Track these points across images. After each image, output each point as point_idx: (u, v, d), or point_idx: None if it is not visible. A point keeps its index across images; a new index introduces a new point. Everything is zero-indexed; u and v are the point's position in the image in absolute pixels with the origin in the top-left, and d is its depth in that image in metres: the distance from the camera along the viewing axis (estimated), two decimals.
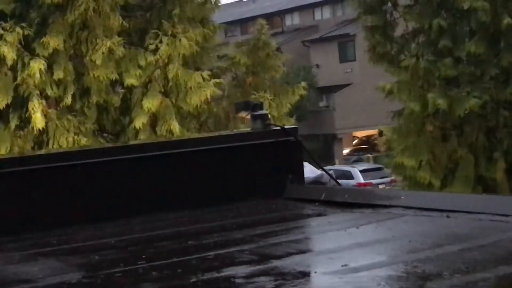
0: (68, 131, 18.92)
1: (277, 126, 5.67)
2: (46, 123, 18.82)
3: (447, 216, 4.04)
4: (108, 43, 18.69)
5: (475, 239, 3.60)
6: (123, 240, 4.25)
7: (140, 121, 19.49)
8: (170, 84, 19.84)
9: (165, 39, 19.44)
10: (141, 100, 19.61)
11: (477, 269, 3.04)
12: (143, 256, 3.70)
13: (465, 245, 3.46)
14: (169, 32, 19.59)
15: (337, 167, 37.30)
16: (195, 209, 4.88)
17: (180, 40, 19.44)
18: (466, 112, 19.11)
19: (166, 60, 19.62)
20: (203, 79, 19.67)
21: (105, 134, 20.41)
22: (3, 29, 18.54)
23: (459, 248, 3.40)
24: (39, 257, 3.96)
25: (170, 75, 19.63)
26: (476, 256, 3.27)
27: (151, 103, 19.39)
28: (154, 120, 19.97)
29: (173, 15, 19.83)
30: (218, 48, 23.27)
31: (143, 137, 19.11)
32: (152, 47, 19.52)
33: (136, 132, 19.59)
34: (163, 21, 19.85)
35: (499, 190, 19.13)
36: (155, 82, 19.85)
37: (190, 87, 19.61)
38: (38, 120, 18.49)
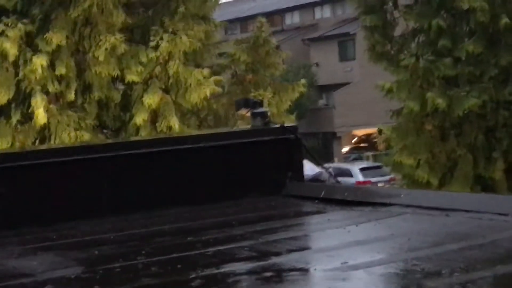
0: (68, 126, 18.94)
1: (277, 124, 5.68)
2: (48, 118, 18.84)
3: (447, 215, 4.05)
4: (112, 39, 18.70)
5: (474, 238, 3.61)
6: (123, 235, 4.26)
7: (140, 117, 19.50)
8: (171, 81, 19.84)
9: (165, 36, 19.44)
10: (142, 97, 19.61)
11: (476, 267, 3.05)
12: (143, 252, 3.71)
13: (464, 243, 3.47)
14: (170, 29, 19.60)
15: (336, 165, 37.25)
16: (195, 206, 4.89)
17: (180, 37, 19.45)
18: (465, 111, 19.10)
19: (167, 57, 19.63)
20: (203, 76, 19.68)
21: (105, 130, 20.42)
22: (5, 24, 18.53)
23: (458, 246, 3.40)
24: (39, 252, 3.97)
25: (170, 72, 19.63)
26: (475, 255, 3.28)
27: (151, 99, 19.39)
28: (154, 116, 19.97)
29: (178, 12, 19.84)
30: (218, 45, 23.26)
31: (143, 134, 19.12)
32: (153, 43, 19.52)
33: (137, 128, 19.60)
34: (164, 18, 19.86)
35: (498, 189, 19.11)
36: (155, 78, 19.86)
37: (190, 84, 19.61)
38: (40, 116, 18.52)
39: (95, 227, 4.47)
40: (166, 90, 19.97)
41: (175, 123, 19.42)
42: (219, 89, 20.43)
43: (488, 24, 19.11)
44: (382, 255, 3.42)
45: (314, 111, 48.15)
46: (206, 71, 19.81)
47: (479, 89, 19.15)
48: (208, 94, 19.59)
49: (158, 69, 19.76)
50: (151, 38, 19.60)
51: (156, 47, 19.43)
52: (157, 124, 19.66)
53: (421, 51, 20.19)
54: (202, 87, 19.51)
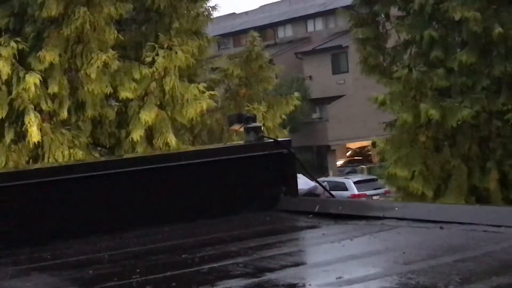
0: (62, 144, 18.92)
1: (271, 138, 5.67)
2: (41, 137, 18.82)
3: (441, 227, 4.04)
4: (104, 57, 18.71)
5: (469, 250, 3.60)
6: (117, 254, 4.24)
7: (137, 134, 19.50)
8: (167, 96, 19.86)
9: (161, 52, 19.47)
10: (138, 113, 19.62)
11: (471, 280, 3.04)
12: (137, 270, 3.69)
13: (459, 256, 3.46)
14: (165, 45, 19.63)
15: (331, 178, 37.26)
16: (189, 222, 4.88)
17: (176, 52, 19.48)
18: (458, 122, 19.12)
19: (163, 73, 19.66)
20: (199, 91, 19.72)
21: (99, 148, 20.41)
22: None
23: (453, 259, 3.40)
24: (32, 272, 3.94)
25: (167, 88, 19.66)
26: (470, 267, 3.28)
27: (148, 115, 19.41)
28: (150, 133, 19.98)
29: (172, 28, 19.89)
30: (211, 60, 23.30)
31: (140, 150, 19.12)
32: (148, 59, 19.55)
33: (133, 145, 19.59)
34: (159, 34, 19.90)
35: (492, 200, 19.10)
36: (151, 94, 19.87)
37: (187, 100, 19.64)
38: (34, 134, 18.52)
39: (89, 246, 4.45)
40: (161, 106, 19.99)
41: (172, 139, 19.44)
42: (214, 104, 20.48)
43: (481, 34, 19.12)
44: (377, 269, 3.41)
45: (308, 125, 48.20)
46: (201, 86, 19.88)
47: (472, 100, 19.16)
48: (204, 108, 19.64)
49: (153, 85, 19.79)
50: (147, 54, 19.65)
51: (151, 63, 19.47)
52: (154, 141, 19.67)
53: (413, 62, 20.22)
54: (198, 102, 19.55)
